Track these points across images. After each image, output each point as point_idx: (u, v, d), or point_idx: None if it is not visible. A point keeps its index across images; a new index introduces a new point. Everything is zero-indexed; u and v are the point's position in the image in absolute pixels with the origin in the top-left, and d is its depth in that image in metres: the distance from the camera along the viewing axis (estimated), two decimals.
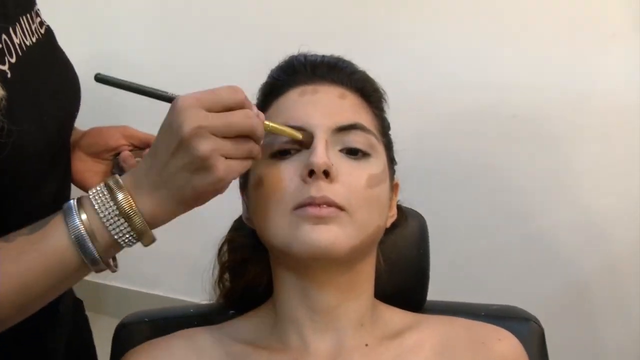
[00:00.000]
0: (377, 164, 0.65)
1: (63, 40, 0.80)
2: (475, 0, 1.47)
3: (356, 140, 0.64)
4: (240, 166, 0.55)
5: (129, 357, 0.68)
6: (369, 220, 0.63)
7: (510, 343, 0.68)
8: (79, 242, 0.54)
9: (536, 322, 0.81)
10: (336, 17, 1.57)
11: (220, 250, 0.78)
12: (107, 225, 0.54)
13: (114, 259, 0.59)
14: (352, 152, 0.64)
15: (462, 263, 1.58)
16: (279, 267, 0.68)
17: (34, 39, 0.69)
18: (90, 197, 0.55)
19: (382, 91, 0.73)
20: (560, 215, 1.51)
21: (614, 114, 1.41)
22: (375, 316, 0.69)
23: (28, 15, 0.69)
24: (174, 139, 0.53)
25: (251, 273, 0.74)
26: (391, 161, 0.72)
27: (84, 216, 0.54)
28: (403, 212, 0.78)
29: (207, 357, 0.67)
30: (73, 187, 0.81)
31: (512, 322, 0.79)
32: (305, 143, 0.62)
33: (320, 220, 0.59)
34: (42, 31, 0.72)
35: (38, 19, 0.72)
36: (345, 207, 0.61)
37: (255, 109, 0.56)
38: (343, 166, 0.63)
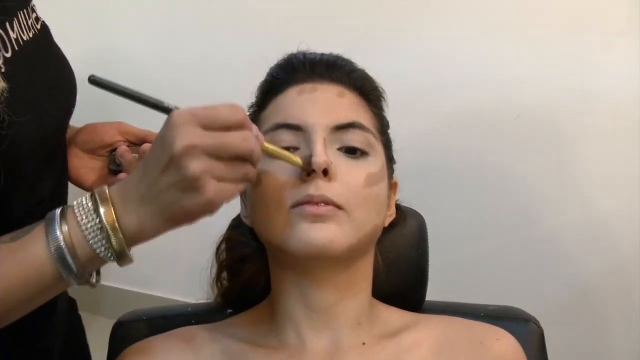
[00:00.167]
0: (375, 162, 0.67)
1: (61, 36, 0.81)
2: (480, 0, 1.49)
3: (354, 139, 0.66)
4: (233, 190, 0.54)
5: (126, 355, 0.70)
6: (367, 219, 0.64)
7: (508, 343, 0.70)
8: (58, 255, 0.53)
9: (535, 322, 0.82)
10: (339, 15, 1.59)
11: (218, 248, 0.80)
12: (89, 238, 0.53)
13: (98, 272, 0.58)
14: (351, 151, 0.66)
15: (464, 264, 1.59)
16: (276, 265, 0.69)
17: (30, 34, 0.70)
18: (75, 208, 0.54)
19: (381, 90, 0.74)
20: (564, 216, 1.52)
21: (620, 112, 1.42)
22: (372, 315, 0.70)
23: (25, 11, 0.70)
24: (165, 155, 0.52)
25: (249, 271, 0.76)
26: (390, 160, 0.74)
27: (65, 228, 0.53)
28: (402, 212, 0.80)
29: (204, 355, 0.68)
30: (70, 186, 0.83)
31: (512, 322, 0.80)
32: (304, 169, 0.62)
33: (318, 218, 0.61)
34: (38, 27, 0.73)
35: (34, 15, 0.73)
36: (343, 206, 0.62)
37: (255, 130, 0.56)
38: (341, 165, 0.64)
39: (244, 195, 0.73)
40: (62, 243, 0.53)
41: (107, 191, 0.54)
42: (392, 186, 0.75)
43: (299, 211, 0.62)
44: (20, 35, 0.68)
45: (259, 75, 0.76)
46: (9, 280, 0.53)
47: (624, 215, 1.46)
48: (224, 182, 0.53)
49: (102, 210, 0.53)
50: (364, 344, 0.68)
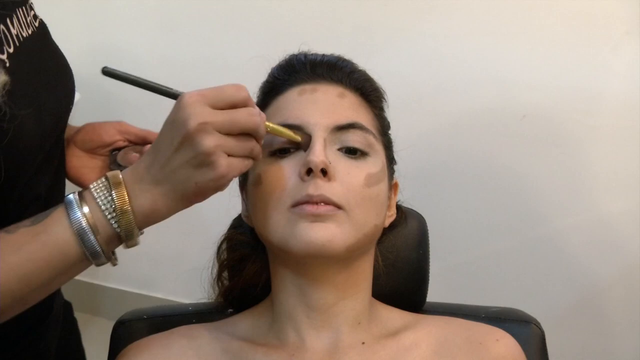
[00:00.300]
0: (375, 163, 0.69)
1: (63, 35, 0.83)
2: (487, 1, 1.50)
3: (354, 139, 0.68)
4: (242, 164, 0.59)
5: (127, 353, 0.72)
6: (367, 219, 0.66)
7: (508, 343, 0.72)
8: (80, 235, 0.56)
9: (537, 324, 0.84)
10: (343, 16, 1.60)
11: (219, 248, 0.82)
12: (109, 217, 0.57)
13: (113, 253, 0.62)
14: (351, 152, 0.68)
15: (468, 266, 1.60)
16: (276, 264, 0.71)
17: (29, 31, 0.72)
18: (92, 190, 0.58)
19: (382, 91, 0.76)
20: (570, 218, 1.53)
21: (627, 113, 1.42)
22: (372, 315, 0.72)
23: (23, 8, 0.72)
24: (179, 133, 0.56)
25: (250, 271, 0.78)
26: (390, 161, 0.76)
27: (85, 209, 0.57)
28: (403, 212, 0.82)
29: (204, 353, 0.70)
30: (68, 184, 0.85)
31: (513, 324, 0.82)
32: (303, 145, 0.66)
33: (317, 218, 0.63)
34: (37, 24, 0.75)
35: (32, 12, 0.75)
36: (342, 206, 0.64)
37: (257, 108, 0.60)
38: (341, 165, 0.66)
39: (244, 195, 0.76)
40: (84, 224, 0.56)
41: (119, 175, 0.58)
42: (393, 187, 0.77)
43: (299, 211, 0.64)
44: (20, 31, 0.70)
45: (262, 74, 0.78)
46: (33, 262, 0.57)
47: (630, 217, 1.47)
48: (234, 158, 0.57)
49: (114, 192, 0.57)
50: (363, 343, 0.70)
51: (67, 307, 0.94)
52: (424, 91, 1.55)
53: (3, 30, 0.66)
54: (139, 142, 0.83)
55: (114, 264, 0.62)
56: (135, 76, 0.63)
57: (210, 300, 0.83)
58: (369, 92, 0.74)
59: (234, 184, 0.78)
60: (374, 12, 1.58)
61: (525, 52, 1.48)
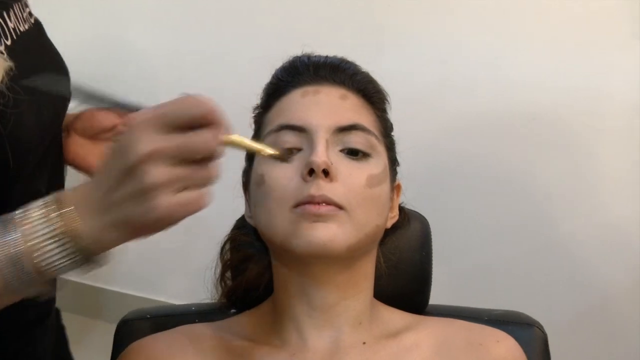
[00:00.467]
0: (377, 164, 0.72)
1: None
2: (492, 1, 1.52)
3: (356, 140, 0.71)
4: (193, 199, 0.51)
5: (129, 351, 0.75)
6: (368, 220, 0.69)
7: (508, 345, 0.74)
8: (8, 261, 0.50)
9: (539, 327, 0.86)
10: (349, 17, 1.63)
11: (222, 248, 0.84)
12: (34, 247, 0.51)
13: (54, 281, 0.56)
14: (352, 153, 0.71)
15: (474, 269, 1.62)
16: (279, 264, 0.74)
17: (26, 26, 0.74)
18: (22, 214, 0.52)
19: (385, 92, 0.79)
20: (579, 222, 1.55)
21: (636, 115, 1.44)
22: (374, 315, 0.75)
23: (19, 4, 0.74)
24: (123, 162, 0.50)
25: (252, 272, 0.81)
26: (393, 162, 0.78)
27: (17, 234, 0.51)
28: (405, 214, 0.84)
29: (206, 352, 0.73)
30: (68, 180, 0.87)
31: (515, 327, 0.84)
32: (281, 157, 0.64)
33: (319, 218, 0.66)
34: (32, 21, 0.77)
35: (27, 9, 0.77)
36: (344, 206, 0.67)
37: (221, 124, 0.52)
38: (343, 166, 0.69)
39: (248, 196, 0.79)
40: (11, 250, 0.50)
41: (63, 198, 0.52)
42: (395, 188, 0.79)
43: (301, 211, 0.66)
44: (17, 25, 0.71)
45: (265, 75, 0.81)
46: None
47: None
48: (184, 193, 0.51)
49: (53, 218, 0.51)
50: (364, 343, 0.72)
51: (57, 313, 0.95)
52: (430, 92, 1.57)
53: (0, 23, 0.67)
54: None
55: (44, 295, 0.55)
56: (99, 93, 0.57)
57: (213, 301, 0.86)
58: (371, 94, 0.77)
59: (238, 185, 0.81)
60: (380, 13, 1.61)
61: (533, 53, 1.50)
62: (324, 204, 0.66)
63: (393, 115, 0.82)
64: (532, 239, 1.59)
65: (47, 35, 0.81)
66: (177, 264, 1.93)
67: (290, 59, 0.79)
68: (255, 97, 0.80)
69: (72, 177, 0.87)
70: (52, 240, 0.51)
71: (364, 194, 0.69)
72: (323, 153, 0.67)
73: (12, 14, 0.71)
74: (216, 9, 1.77)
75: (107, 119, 0.82)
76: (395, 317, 0.77)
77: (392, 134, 0.80)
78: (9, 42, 0.68)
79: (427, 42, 1.57)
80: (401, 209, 0.83)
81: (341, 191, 0.67)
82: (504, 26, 1.52)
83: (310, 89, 0.74)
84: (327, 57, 0.78)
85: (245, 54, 1.70)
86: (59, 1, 1.79)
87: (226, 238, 0.85)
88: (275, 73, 0.79)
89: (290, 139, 0.71)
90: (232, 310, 0.84)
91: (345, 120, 0.71)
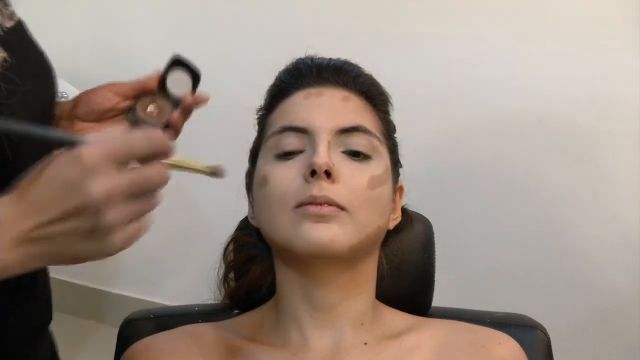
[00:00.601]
0: (378, 165, 0.74)
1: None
2: (501, 3, 1.54)
3: (358, 142, 0.73)
4: (139, 228, 0.53)
5: (133, 350, 0.77)
6: (370, 220, 0.71)
7: (510, 347, 0.76)
8: None
9: (542, 330, 0.88)
10: (355, 19, 1.65)
11: (226, 249, 0.87)
12: None
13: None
14: (354, 154, 0.73)
15: (481, 274, 1.64)
16: (281, 264, 0.77)
17: (11, 23, 0.76)
18: None
19: (388, 94, 0.82)
20: (589, 229, 1.56)
21: None
22: (375, 316, 0.77)
23: (2, 2, 0.76)
24: (76, 199, 0.50)
25: (255, 272, 0.83)
26: (395, 164, 0.80)
27: None
28: (408, 215, 0.87)
29: (209, 351, 0.75)
30: None
31: (518, 329, 0.86)
32: (218, 174, 0.62)
33: (320, 218, 0.68)
34: (16, 19, 0.78)
35: (10, 9, 0.78)
36: (346, 207, 0.69)
37: (169, 150, 0.54)
38: (345, 167, 0.71)
39: (251, 197, 0.81)
40: None
41: None
42: (398, 190, 0.82)
43: (303, 211, 0.69)
44: (2, 21, 0.73)
45: (269, 77, 0.83)
46: None
47: None
48: (131, 224, 0.52)
49: None
50: (365, 344, 0.74)
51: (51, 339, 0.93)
52: (436, 94, 1.59)
53: None
54: (138, 94, 0.82)
55: None
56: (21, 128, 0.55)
57: (216, 302, 0.89)
58: (374, 96, 0.79)
59: (240, 187, 0.84)
60: (386, 17, 1.63)
61: (542, 56, 1.52)
62: (325, 205, 0.69)
63: (398, 116, 0.84)
64: (536, 242, 1.60)
65: (31, 34, 0.82)
66: (180, 266, 1.95)
67: (294, 61, 0.81)
68: (258, 98, 0.83)
69: None
70: None
71: (366, 195, 0.71)
72: (325, 154, 0.69)
73: None
74: (219, 11, 1.80)
75: (107, 99, 0.82)
76: (397, 318, 0.79)
77: (395, 135, 0.83)
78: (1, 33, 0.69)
79: (434, 44, 1.59)
80: (404, 211, 0.85)
81: (343, 192, 0.70)
82: (513, 29, 1.53)
83: (313, 90, 0.76)
84: (330, 59, 0.80)
85: (249, 56, 1.73)
86: (60, 1, 1.82)
87: (229, 239, 0.87)
88: (278, 75, 0.81)
89: (292, 141, 0.73)
90: (235, 311, 0.87)
91: (348, 122, 0.73)
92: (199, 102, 0.81)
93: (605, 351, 1.58)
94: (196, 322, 0.83)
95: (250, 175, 0.81)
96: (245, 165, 0.83)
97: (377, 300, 0.80)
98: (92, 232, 0.51)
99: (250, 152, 0.82)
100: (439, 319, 0.81)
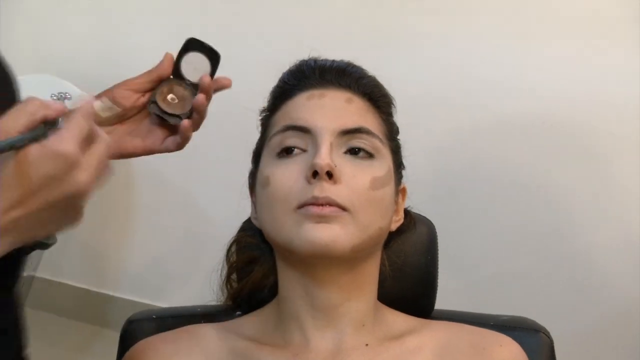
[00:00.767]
0: (381, 166, 0.76)
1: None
2: (509, 4, 1.56)
3: (361, 143, 0.75)
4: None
5: (135, 350, 0.80)
6: (371, 221, 0.73)
7: (512, 349, 0.77)
8: None
9: (546, 333, 0.89)
10: (361, 21, 1.67)
11: (228, 250, 0.89)
12: None
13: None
14: (356, 152, 0.75)
15: (487, 280, 1.65)
16: (283, 265, 0.79)
17: None
18: None
19: (391, 96, 0.84)
20: (597, 235, 1.57)
21: None
22: (377, 318, 0.79)
23: None
24: (64, 189, 0.55)
25: (258, 273, 0.85)
26: (398, 165, 0.83)
27: None
28: (412, 217, 0.88)
29: (211, 351, 0.78)
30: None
31: (521, 332, 0.87)
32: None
33: (322, 219, 0.70)
34: None
35: None
36: (347, 208, 0.71)
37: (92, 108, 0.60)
38: (347, 168, 0.73)
39: (254, 198, 0.83)
40: None
41: None
42: (401, 191, 0.84)
43: (304, 211, 0.71)
44: None
45: (273, 78, 0.85)
46: None
47: None
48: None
49: None
50: (367, 345, 0.76)
51: None
52: (440, 96, 1.61)
53: None
54: (155, 86, 0.82)
55: None
56: None
57: (219, 303, 0.91)
58: (377, 98, 0.81)
59: (243, 188, 0.86)
60: (394, 18, 1.65)
61: (550, 58, 1.53)
62: (327, 206, 0.71)
63: (402, 118, 0.86)
64: (540, 244, 1.62)
65: None
66: (184, 269, 1.97)
67: (297, 62, 0.83)
68: (261, 99, 0.85)
69: None
70: None
71: (368, 196, 0.73)
72: (327, 155, 0.72)
73: None
74: (220, 11, 1.82)
75: (125, 98, 0.81)
76: (399, 320, 0.81)
77: (398, 137, 0.85)
78: None
79: (437, 45, 1.61)
80: (407, 213, 0.87)
81: (345, 193, 0.72)
82: (519, 31, 1.55)
83: (316, 92, 0.79)
84: (333, 61, 0.82)
85: (250, 57, 1.75)
86: (60, 1, 1.85)
87: (232, 240, 0.89)
88: (282, 76, 0.84)
89: (295, 140, 0.75)
90: (238, 313, 0.88)
91: (351, 124, 0.76)
92: (220, 86, 0.82)
93: (609, 355, 1.59)
94: (198, 323, 0.85)
95: (253, 175, 0.83)
96: (247, 167, 0.85)
97: (378, 302, 0.82)
98: (73, 210, 0.58)
99: (253, 153, 0.84)
100: (440, 321, 0.83)
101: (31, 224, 0.56)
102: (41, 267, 2.18)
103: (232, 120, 1.47)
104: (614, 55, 1.48)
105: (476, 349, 0.77)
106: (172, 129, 0.84)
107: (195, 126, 0.84)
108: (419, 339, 0.78)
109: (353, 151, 0.75)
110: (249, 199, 0.85)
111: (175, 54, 0.84)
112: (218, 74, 0.84)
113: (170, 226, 1.98)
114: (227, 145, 1.64)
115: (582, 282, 1.59)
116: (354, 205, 0.72)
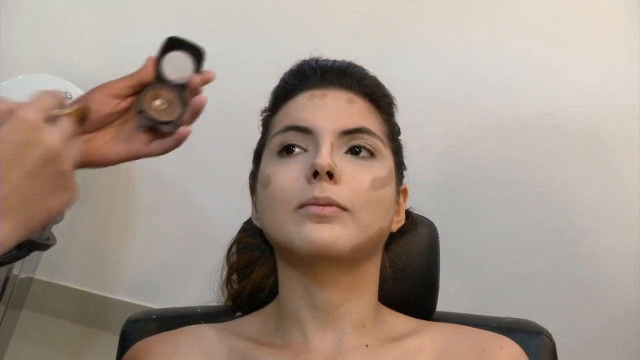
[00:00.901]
0: (381, 167, 0.77)
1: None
2: (511, 6, 1.57)
3: (361, 143, 0.77)
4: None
5: (134, 350, 0.81)
6: (372, 222, 0.75)
7: (512, 351, 0.78)
8: None
9: (548, 335, 0.90)
10: (365, 22, 1.68)
11: (229, 251, 0.90)
12: None
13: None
14: (357, 151, 0.76)
15: (492, 283, 1.66)
16: (283, 265, 0.80)
17: None
18: None
19: (392, 97, 0.85)
20: (605, 238, 1.58)
21: None
22: (378, 319, 0.80)
23: None
24: (39, 152, 0.57)
25: (258, 274, 0.87)
26: (399, 166, 0.84)
27: None
28: (413, 218, 0.90)
29: (211, 351, 0.79)
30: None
31: (523, 334, 0.88)
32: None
33: (322, 219, 0.71)
34: None
35: None
36: (348, 208, 0.73)
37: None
38: (347, 168, 0.75)
39: (254, 198, 0.85)
40: None
41: None
42: (402, 192, 0.85)
43: (305, 211, 0.72)
44: None
45: (274, 78, 0.86)
46: None
47: None
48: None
49: None
50: (367, 346, 0.77)
51: None
52: (443, 96, 1.62)
53: None
54: (134, 91, 0.78)
55: None
56: None
57: (219, 304, 0.92)
58: (378, 98, 0.82)
59: (244, 188, 0.87)
60: (399, 18, 1.66)
61: (557, 58, 1.54)
62: (327, 206, 0.72)
63: (404, 119, 0.87)
64: (543, 246, 1.62)
65: None
66: (184, 271, 1.98)
67: (298, 62, 0.85)
68: (262, 100, 0.86)
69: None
70: None
71: (368, 196, 0.74)
72: (327, 155, 0.73)
73: None
74: (221, 12, 1.83)
75: (105, 105, 0.77)
76: (399, 321, 0.82)
77: (400, 138, 0.86)
78: None
79: (440, 46, 1.62)
80: (409, 214, 0.88)
81: (345, 193, 0.73)
82: (525, 31, 1.56)
83: (317, 92, 0.80)
84: (334, 61, 0.83)
85: (252, 57, 1.76)
86: (60, 1, 1.87)
87: (232, 240, 0.91)
88: (283, 77, 0.85)
89: (296, 140, 0.76)
90: (238, 313, 0.90)
91: (352, 124, 0.77)
92: (203, 81, 0.78)
93: (612, 358, 1.60)
94: (198, 323, 0.86)
95: (253, 176, 0.84)
96: (247, 167, 0.86)
97: (379, 303, 0.83)
98: (58, 179, 0.58)
99: (254, 153, 0.85)
100: (441, 323, 0.84)
101: (23, 200, 0.57)
102: (40, 269, 2.19)
103: (232, 120, 1.49)
104: (617, 56, 1.49)
105: (476, 350, 0.78)
106: (158, 132, 0.79)
107: (188, 123, 0.80)
108: (419, 340, 0.79)
109: (354, 151, 0.76)
110: (250, 199, 0.86)
111: (167, 37, 0.80)
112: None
113: (170, 227, 1.99)
114: (227, 145, 1.65)
115: (584, 284, 1.60)
116: (355, 206, 0.73)
